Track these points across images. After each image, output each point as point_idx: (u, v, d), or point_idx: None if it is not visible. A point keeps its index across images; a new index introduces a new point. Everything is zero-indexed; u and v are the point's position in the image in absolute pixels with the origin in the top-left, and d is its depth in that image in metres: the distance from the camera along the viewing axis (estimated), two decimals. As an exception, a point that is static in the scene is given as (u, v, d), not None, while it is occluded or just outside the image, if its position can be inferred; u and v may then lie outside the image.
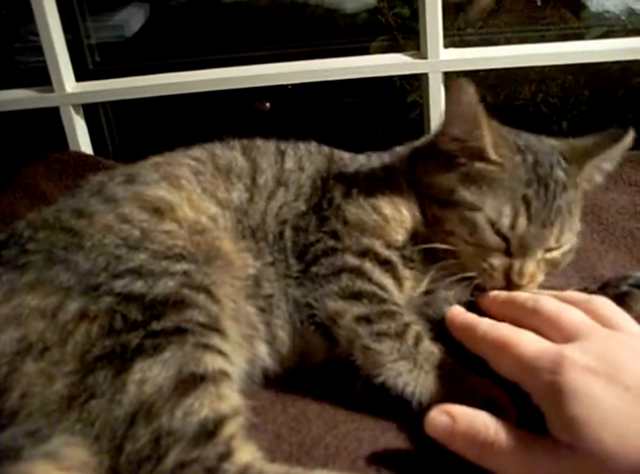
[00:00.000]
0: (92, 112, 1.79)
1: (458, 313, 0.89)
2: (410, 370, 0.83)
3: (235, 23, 2.17)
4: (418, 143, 1.05)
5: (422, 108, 1.72)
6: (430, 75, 1.57)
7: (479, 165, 0.91)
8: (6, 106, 1.64)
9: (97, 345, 0.76)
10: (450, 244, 0.92)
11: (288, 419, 0.86)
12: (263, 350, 0.92)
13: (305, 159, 1.05)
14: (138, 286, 0.81)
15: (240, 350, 0.88)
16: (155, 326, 0.78)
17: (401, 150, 1.06)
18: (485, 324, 0.84)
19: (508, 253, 0.90)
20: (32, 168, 1.56)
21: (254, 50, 1.92)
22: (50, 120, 1.64)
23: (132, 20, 2.41)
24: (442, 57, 1.55)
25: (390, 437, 0.82)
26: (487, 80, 2.04)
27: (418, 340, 0.86)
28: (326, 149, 1.09)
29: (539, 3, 2.24)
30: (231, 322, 0.87)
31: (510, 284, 0.90)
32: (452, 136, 0.92)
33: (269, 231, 0.96)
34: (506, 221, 0.89)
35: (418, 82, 1.79)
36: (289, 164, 1.03)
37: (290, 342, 0.93)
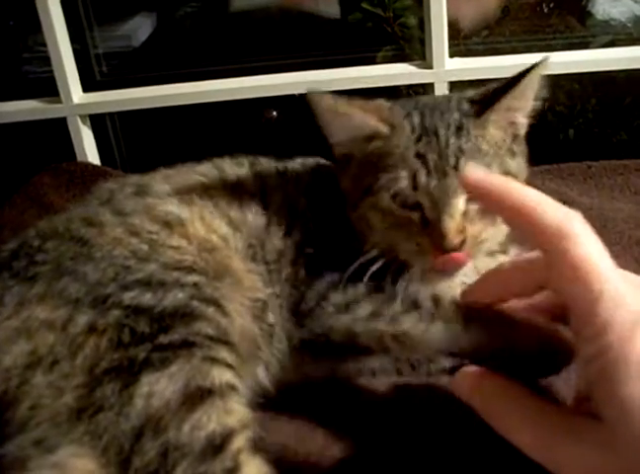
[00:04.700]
0: (99, 122, 1.80)
1: None
2: (445, 329, 0.79)
3: (243, 32, 2.18)
4: None
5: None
6: (435, 84, 1.57)
7: (369, 147, 0.88)
8: (14, 116, 1.65)
9: (105, 358, 0.76)
10: (380, 242, 0.88)
11: (294, 430, 0.86)
12: (262, 372, 0.92)
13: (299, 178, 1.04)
14: (147, 299, 0.81)
15: (245, 364, 0.87)
16: (163, 339, 0.77)
17: None
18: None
19: (426, 224, 0.84)
20: (39, 178, 1.58)
21: (261, 60, 1.92)
22: (58, 131, 1.65)
23: (140, 30, 2.41)
24: (448, 67, 1.56)
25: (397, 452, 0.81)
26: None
27: (436, 301, 0.82)
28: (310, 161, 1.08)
29: (545, 10, 2.23)
30: (239, 337, 0.86)
31: (444, 253, 0.81)
32: (339, 142, 0.91)
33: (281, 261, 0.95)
34: (405, 183, 0.83)
35: (423, 89, 1.79)
36: (291, 186, 1.02)
37: (289, 366, 0.93)
